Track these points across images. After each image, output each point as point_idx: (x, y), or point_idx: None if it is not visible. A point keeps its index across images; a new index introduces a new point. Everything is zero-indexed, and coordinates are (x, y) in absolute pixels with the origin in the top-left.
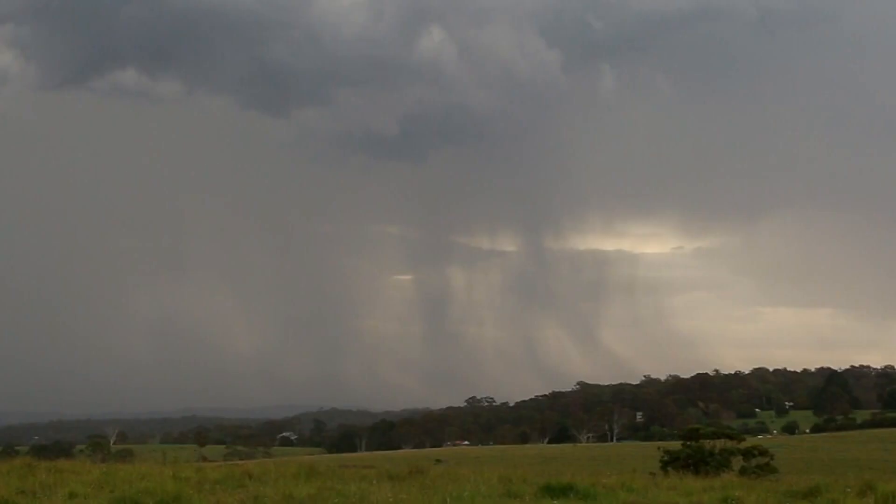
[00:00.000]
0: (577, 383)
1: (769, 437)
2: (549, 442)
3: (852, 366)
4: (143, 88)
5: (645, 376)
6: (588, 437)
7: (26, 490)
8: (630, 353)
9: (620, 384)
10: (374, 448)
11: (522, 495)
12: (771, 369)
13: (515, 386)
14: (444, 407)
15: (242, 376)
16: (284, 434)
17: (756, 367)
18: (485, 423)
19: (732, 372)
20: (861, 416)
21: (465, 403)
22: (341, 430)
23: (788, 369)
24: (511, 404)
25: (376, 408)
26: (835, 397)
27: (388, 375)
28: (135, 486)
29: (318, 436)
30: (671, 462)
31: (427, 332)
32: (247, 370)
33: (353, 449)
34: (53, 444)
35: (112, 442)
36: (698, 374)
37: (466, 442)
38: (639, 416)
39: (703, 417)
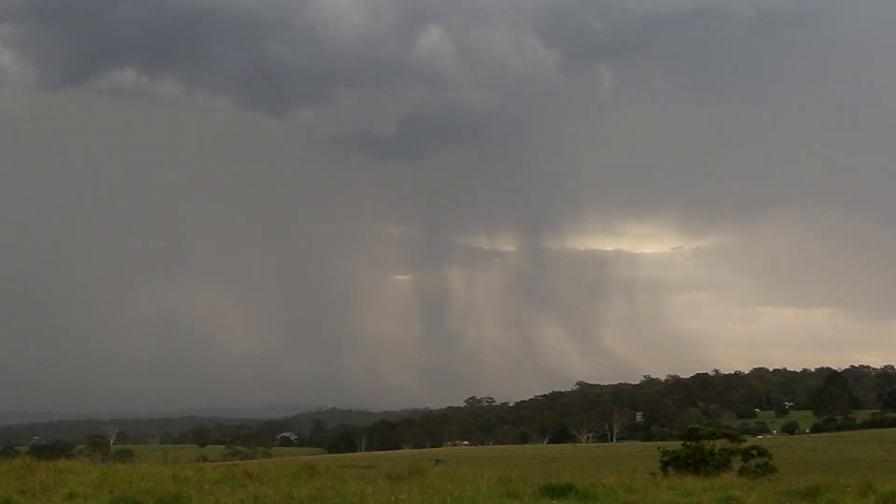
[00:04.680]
0: (577, 383)
1: (769, 437)
2: (549, 442)
3: (852, 366)
4: (142, 88)
5: (645, 376)
6: (588, 437)
7: (26, 490)
8: (630, 353)
9: (620, 384)
10: (374, 448)
11: (522, 495)
12: (771, 369)
13: (515, 386)
14: (444, 407)
15: (242, 376)
16: (284, 434)
17: (756, 367)
18: (485, 423)
19: (732, 372)
20: (861, 416)
21: (465, 403)
22: (341, 430)
23: (788, 369)
24: (511, 404)
25: (376, 408)
26: (834, 397)
27: (388, 375)
28: (135, 486)
29: (318, 436)
30: (671, 462)
31: (427, 333)
32: (247, 370)
33: (353, 449)
34: (53, 444)
35: (112, 442)
36: (698, 374)
37: (466, 442)
38: (639, 416)
39: (702, 417)
